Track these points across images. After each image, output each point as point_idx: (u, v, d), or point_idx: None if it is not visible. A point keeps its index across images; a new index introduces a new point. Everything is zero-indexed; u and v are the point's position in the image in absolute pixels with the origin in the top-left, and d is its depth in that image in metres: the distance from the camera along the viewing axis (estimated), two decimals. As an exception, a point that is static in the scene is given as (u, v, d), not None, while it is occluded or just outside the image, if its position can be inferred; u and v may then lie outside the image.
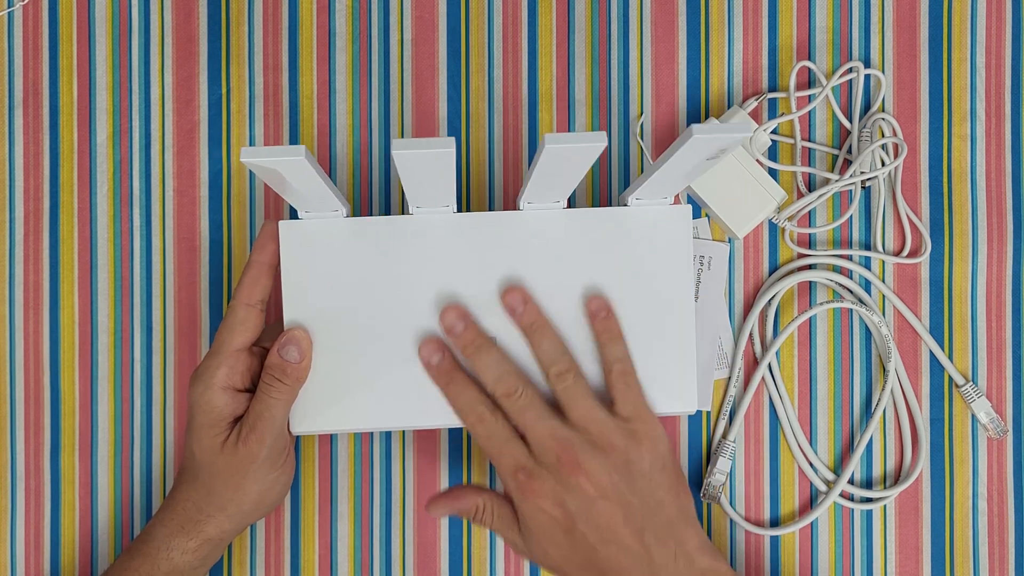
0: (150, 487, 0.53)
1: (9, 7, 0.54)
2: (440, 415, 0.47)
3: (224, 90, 0.53)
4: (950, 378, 0.51)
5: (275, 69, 0.53)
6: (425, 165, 0.38)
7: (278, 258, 0.47)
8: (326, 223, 0.47)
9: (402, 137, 0.53)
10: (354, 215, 0.52)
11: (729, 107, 0.52)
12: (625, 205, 0.47)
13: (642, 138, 0.53)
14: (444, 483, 0.52)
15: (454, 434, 0.52)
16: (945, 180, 0.52)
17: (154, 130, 0.54)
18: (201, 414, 0.46)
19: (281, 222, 0.47)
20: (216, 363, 0.46)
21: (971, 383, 0.51)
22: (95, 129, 0.54)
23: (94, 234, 0.53)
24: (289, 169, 0.38)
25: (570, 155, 0.37)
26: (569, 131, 0.53)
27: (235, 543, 0.52)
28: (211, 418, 0.46)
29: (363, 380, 0.47)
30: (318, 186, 0.41)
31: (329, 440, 0.53)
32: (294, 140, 0.53)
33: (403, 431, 0.53)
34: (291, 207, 0.53)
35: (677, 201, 0.49)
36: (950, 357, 0.52)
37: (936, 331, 0.52)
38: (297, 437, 0.52)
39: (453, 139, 0.37)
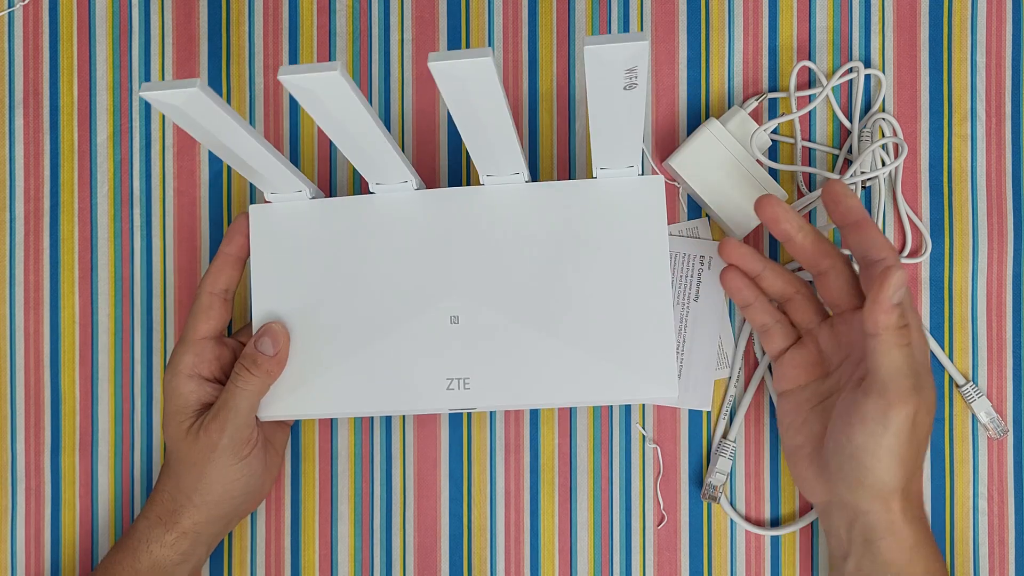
0: (150, 487, 0.53)
1: (9, 7, 0.54)
2: (408, 399, 0.46)
3: (224, 90, 0.53)
4: (950, 378, 0.51)
5: (275, 69, 0.53)
6: (318, 96, 0.36)
7: (246, 251, 0.48)
8: (292, 206, 0.47)
9: (400, 140, 0.53)
10: None
11: (729, 107, 0.52)
12: (594, 178, 0.46)
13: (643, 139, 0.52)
14: (444, 482, 0.52)
15: (454, 433, 0.52)
16: (945, 180, 0.52)
17: (154, 130, 0.54)
18: (169, 401, 0.47)
19: (251, 206, 0.48)
20: (182, 350, 0.47)
21: (971, 383, 0.51)
22: (95, 129, 0.54)
23: (94, 234, 0.53)
24: (188, 103, 0.36)
25: (456, 76, 0.34)
26: (569, 132, 0.53)
27: (235, 543, 0.52)
28: (177, 404, 0.46)
29: (329, 363, 0.46)
30: (236, 132, 0.39)
31: (329, 439, 0.53)
32: (294, 140, 0.53)
33: (403, 433, 0.52)
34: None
35: (669, 178, 0.48)
36: (950, 357, 0.52)
37: (936, 331, 0.52)
38: (296, 436, 0.52)
39: (339, 61, 0.34)
